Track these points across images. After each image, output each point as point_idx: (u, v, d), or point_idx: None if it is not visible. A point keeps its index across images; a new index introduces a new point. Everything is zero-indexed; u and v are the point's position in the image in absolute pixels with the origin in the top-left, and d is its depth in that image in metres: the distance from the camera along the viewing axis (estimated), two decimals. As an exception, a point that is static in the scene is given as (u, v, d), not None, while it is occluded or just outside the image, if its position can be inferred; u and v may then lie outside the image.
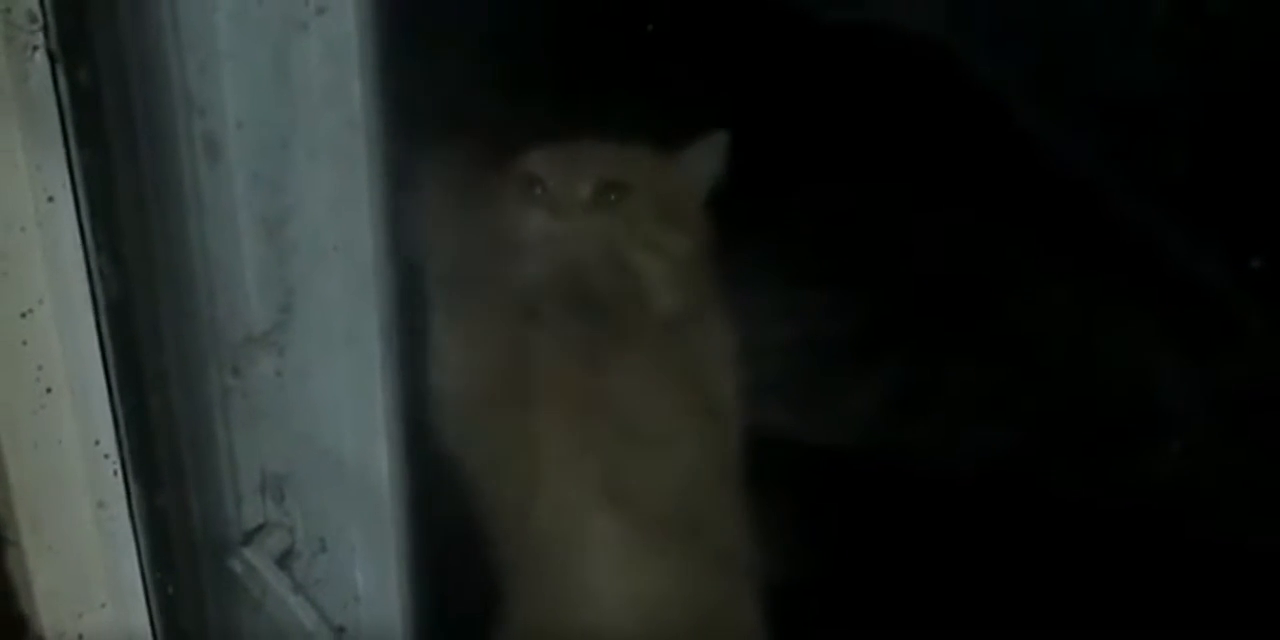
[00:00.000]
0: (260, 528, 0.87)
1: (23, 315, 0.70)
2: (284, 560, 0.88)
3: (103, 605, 0.79)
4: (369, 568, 0.83)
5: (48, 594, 0.75)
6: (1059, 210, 0.87)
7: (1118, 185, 0.80)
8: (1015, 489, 0.95)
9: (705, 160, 0.88)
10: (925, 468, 0.98)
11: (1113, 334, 0.91)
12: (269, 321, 0.75)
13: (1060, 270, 0.92)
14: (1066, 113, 0.81)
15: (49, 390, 0.72)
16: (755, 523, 0.92)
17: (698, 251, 0.87)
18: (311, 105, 0.69)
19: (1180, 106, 0.74)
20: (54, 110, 0.67)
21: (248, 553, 0.86)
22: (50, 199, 0.69)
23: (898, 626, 0.96)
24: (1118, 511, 0.90)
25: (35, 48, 0.66)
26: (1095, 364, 0.92)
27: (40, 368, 0.72)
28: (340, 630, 0.85)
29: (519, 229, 0.83)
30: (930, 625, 0.95)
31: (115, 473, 0.77)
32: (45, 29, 0.65)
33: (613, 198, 0.83)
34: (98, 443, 0.76)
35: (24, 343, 0.71)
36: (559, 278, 0.83)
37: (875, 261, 0.95)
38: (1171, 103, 0.74)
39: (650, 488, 0.89)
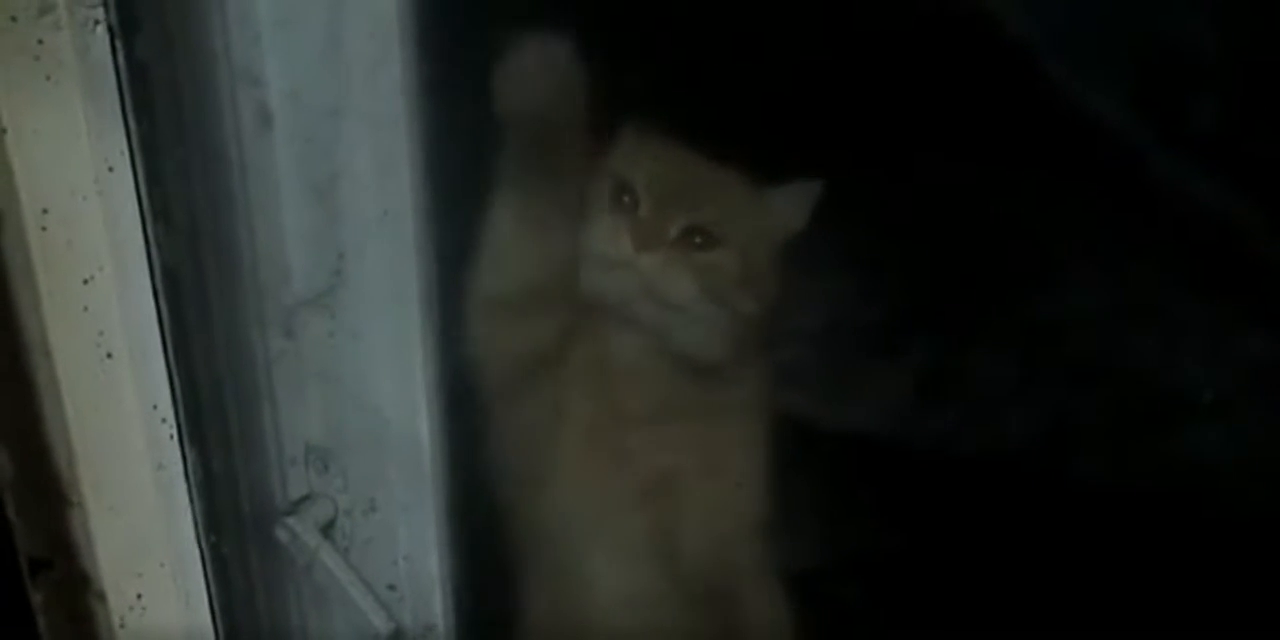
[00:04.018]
0: (305, 498, 0.89)
1: (85, 282, 0.72)
2: (328, 530, 0.90)
3: (161, 565, 0.81)
4: (413, 527, 0.85)
5: (109, 553, 0.77)
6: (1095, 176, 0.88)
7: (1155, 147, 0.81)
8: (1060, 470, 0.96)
9: (793, 206, 0.86)
10: (961, 452, 0.98)
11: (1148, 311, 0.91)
12: (322, 284, 0.77)
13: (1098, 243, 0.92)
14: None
15: (109, 355, 0.74)
16: (776, 515, 0.94)
17: (761, 311, 0.86)
18: (362, 75, 0.72)
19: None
20: (113, 82, 0.69)
21: (292, 522, 0.88)
22: (110, 168, 0.71)
23: (922, 614, 0.97)
24: (1150, 495, 0.91)
25: (97, 22, 0.68)
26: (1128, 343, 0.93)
27: (101, 333, 0.73)
28: (390, 588, 0.87)
29: (597, 236, 0.84)
30: (957, 611, 0.95)
31: (172, 437, 0.79)
32: (105, 4, 0.68)
33: (698, 241, 0.82)
34: (155, 407, 0.78)
35: (85, 309, 0.72)
36: (619, 298, 0.84)
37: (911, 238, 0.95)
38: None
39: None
